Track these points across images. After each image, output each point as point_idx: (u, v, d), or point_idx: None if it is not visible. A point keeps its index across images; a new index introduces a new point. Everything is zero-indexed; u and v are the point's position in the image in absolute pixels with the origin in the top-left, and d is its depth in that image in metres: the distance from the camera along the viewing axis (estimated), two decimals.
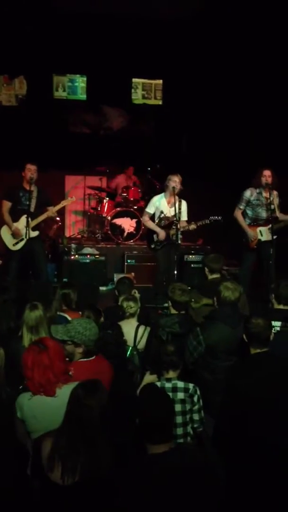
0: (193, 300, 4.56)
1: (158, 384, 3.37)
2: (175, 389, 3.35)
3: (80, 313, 4.42)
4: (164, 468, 2.28)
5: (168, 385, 3.36)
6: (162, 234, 6.34)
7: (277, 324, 3.97)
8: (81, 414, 2.33)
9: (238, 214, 6.47)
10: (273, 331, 3.71)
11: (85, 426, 2.31)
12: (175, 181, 6.20)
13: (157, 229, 6.40)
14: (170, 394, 3.29)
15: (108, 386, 3.18)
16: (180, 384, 3.38)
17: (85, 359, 3.24)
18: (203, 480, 2.31)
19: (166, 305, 4.80)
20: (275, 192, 6.32)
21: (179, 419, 3.31)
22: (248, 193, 6.40)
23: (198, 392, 3.41)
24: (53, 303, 4.53)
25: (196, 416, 3.39)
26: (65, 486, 2.25)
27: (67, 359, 3.09)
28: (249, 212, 6.44)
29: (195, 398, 3.38)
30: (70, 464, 2.26)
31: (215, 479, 2.39)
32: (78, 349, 3.24)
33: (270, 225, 6.20)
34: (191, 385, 3.40)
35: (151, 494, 2.22)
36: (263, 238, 6.34)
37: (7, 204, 6.47)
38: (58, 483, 2.26)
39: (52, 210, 6.52)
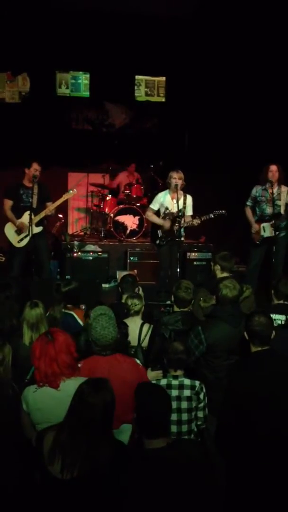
0: (202, 299, 4.54)
1: (165, 381, 3.37)
2: (181, 386, 3.35)
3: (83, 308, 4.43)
4: (161, 463, 2.29)
5: (175, 382, 3.36)
6: (166, 224, 6.34)
7: (279, 317, 3.98)
8: (83, 410, 2.34)
9: (246, 210, 6.51)
10: (274, 324, 3.73)
11: (86, 423, 2.32)
12: (175, 178, 6.22)
13: (161, 221, 6.41)
14: (177, 391, 3.32)
15: (131, 387, 3.15)
16: (187, 381, 3.38)
17: (100, 355, 3.20)
18: (200, 475, 2.32)
19: (169, 302, 4.80)
20: (284, 189, 6.30)
21: (185, 416, 3.32)
22: (254, 190, 6.45)
23: (204, 389, 3.42)
24: (55, 305, 4.41)
25: (200, 414, 3.40)
26: (64, 480, 2.26)
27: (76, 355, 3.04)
28: (257, 209, 6.46)
29: (201, 396, 3.39)
30: (69, 459, 2.28)
31: (213, 474, 2.41)
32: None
33: (274, 221, 6.20)
34: (197, 383, 3.41)
35: (148, 489, 2.24)
36: (266, 234, 6.33)
37: (8, 202, 6.51)
38: (58, 477, 2.27)
39: (49, 208, 6.51)
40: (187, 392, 3.34)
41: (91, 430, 2.31)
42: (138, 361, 3.42)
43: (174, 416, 3.26)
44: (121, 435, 3.02)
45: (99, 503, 2.25)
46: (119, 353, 3.25)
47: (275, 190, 6.24)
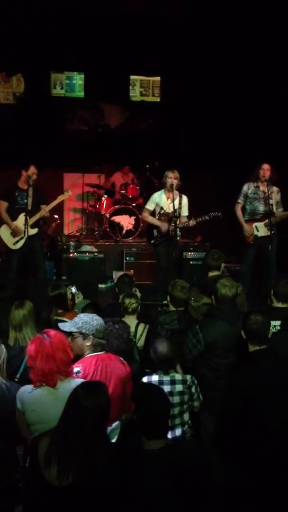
0: (192, 298, 4.55)
1: (157, 377, 3.38)
2: (173, 382, 3.39)
3: (76, 310, 4.38)
4: (159, 464, 2.28)
5: (166, 378, 3.39)
6: (164, 226, 6.33)
7: (277, 323, 3.96)
8: (78, 413, 2.32)
9: (237, 208, 6.52)
10: (273, 330, 3.73)
11: (80, 426, 2.30)
12: (171, 178, 6.22)
13: (158, 223, 6.41)
14: (169, 386, 3.35)
15: (121, 384, 3.19)
16: (178, 376, 3.43)
17: (94, 354, 3.23)
18: (198, 476, 2.31)
19: (165, 302, 4.80)
20: (275, 188, 6.34)
21: (176, 410, 3.37)
22: (245, 187, 6.46)
23: (195, 381, 3.48)
24: (45, 311, 4.29)
25: (196, 403, 3.50)
26: (60, 486, 2.23)
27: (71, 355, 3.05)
28: (247, 206, 6.47)
29: (193, 389, 3.47)
30: (65, 463, 2.25)
31: (212, 475, 2.40)
32: (86, 342, 3.22)
33: (267, 220, 6.22)
34: (188, 377, 3.46)
35: (146, 490, 2.22)
36: (260, 234, 6.35)
37: (3, 204, 6.52)
38: (54, 484, 2.24)
39: (45, 209, 6.53)
40: (179, 387, 3.39)
41: (85, 434, 2.29)
42: (122, 359, 3.42)
43: None
44: (112, 433, 3.04)
45: (96, 508, 2.23)
46: (105, 352, 3.29)
47: (266, 188, 6.31)
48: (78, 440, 2.28)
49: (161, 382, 3.36)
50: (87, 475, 2.23)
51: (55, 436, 2.33)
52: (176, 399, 3.35)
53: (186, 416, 3.43)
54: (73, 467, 2.24)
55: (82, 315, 3.38)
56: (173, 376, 3.40)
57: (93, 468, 2.24)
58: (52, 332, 2.94)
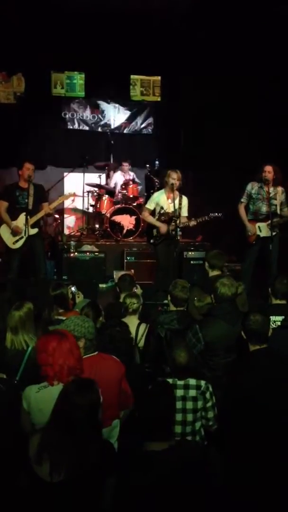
0: (196, 298, 4.54)
1: (170, 380, 3.26)
2: (187, 386, 3.27)
3: (77, 310, 4.39)
4: (162, 466, 2.27)
5: (180, 382, 3.28)
6: (163, 227, 6.32)
7: (277, 318, 3.97)
8: (68, 410, 2.32)
9: (240, 207, 6.48)
10: (273, 325, 3.74)
11: (71, 423, 2.29)
12: (174, 178, 6.21)
13: (158, 223, 6.39)
14: (182, 391, 3.25)
15: (117, 383, 3.20)
16: (192, 381, 3.29)
17: (87, 356, 3.23)
18: (199, 478, 2.30)
19: (166, 301, 4.80)
20: (279, 188, 6.30)
21: (190, 417, 3.24)
22: (249, 187, 6.40)
23: (210, 388, 3.31)
24: (46, 311, 4.31)
25: (210, 414, 3.31)
26: (51, 483, 2.23)
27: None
28: (250, 206, 6.43)
29: (207, 395, 3.29)
30: (55, 460, 2.24)
31: (213, 476, 2.39)
32: (79, 343, 3.21)
33: (269, 221, 6.19)
34: (203, 382, 3.31)
35: (149, 491, 2.22)
36: (262, 234, 6.33)
37: (4, 204, 6.51)
38: (45, 479, 2.23)
39: (49, 207, 6.55)
40: (192, 392, 3.26)
41: (76, 431, 2.29)
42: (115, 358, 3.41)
43: (179, 417, 3.18)
44: (113, 431, 3.04)
45: (88, 506, 2.23)
46: (100, 352, 3.31)
47: (271, 189, 6.26)
48: (69, 437, 2.28)
49: (174, 386, 3.23)
50: (79, 472, 2.23)
51: (46, 433, 2.33)
52: (189, 404, 3.23)
53: (198, 426, 3.28)
54: (65, 463, 2.23)
55: (73, 317, 3.39)
56: (187, 381, 3.28)
57: (85, 464, 2.24)
58: (64, 331, 2.99)
